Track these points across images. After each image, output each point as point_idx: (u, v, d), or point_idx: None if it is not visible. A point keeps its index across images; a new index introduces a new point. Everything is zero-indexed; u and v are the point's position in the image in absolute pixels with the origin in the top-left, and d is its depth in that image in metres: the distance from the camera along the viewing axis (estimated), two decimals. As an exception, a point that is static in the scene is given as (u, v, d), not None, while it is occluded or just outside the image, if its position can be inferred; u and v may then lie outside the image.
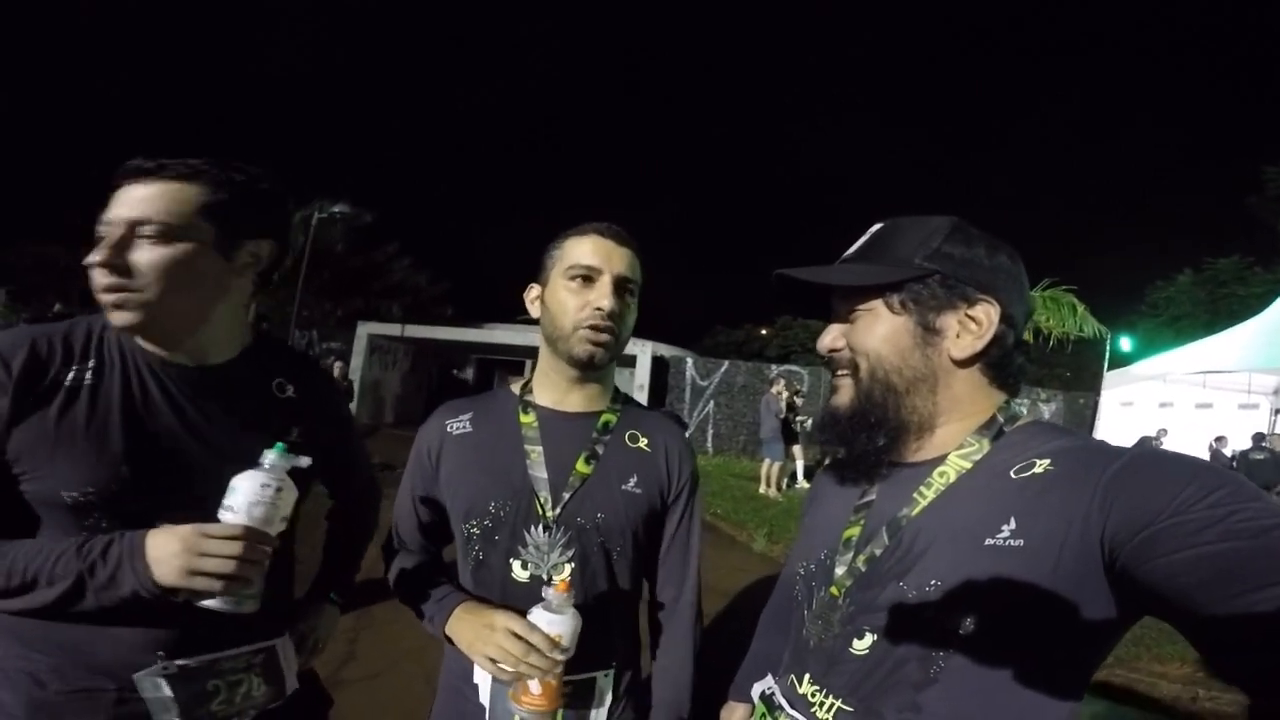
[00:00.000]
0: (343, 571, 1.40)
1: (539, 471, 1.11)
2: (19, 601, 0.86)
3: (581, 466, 1.12)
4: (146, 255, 0.92)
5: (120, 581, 0.85)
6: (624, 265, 1.12)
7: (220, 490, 0.90)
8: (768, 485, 9.51)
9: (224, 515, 0.87)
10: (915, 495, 0.80)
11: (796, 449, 10.29)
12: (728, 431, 14.65)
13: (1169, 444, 10.26)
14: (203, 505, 0.90)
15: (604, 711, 1.11)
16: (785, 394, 9.77)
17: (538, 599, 0.97)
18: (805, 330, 36.65)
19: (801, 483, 10.26)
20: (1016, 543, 0.68)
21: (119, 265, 0.90)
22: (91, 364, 0.94)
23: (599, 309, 1.09)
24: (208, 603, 0.86)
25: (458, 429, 1.18)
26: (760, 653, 1.14)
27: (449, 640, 1.07)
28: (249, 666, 1.03)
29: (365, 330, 15.87)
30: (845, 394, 0.87)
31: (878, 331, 0.83)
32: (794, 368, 15.14)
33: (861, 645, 0.78)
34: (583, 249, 1.11)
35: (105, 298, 0.91)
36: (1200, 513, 0.58)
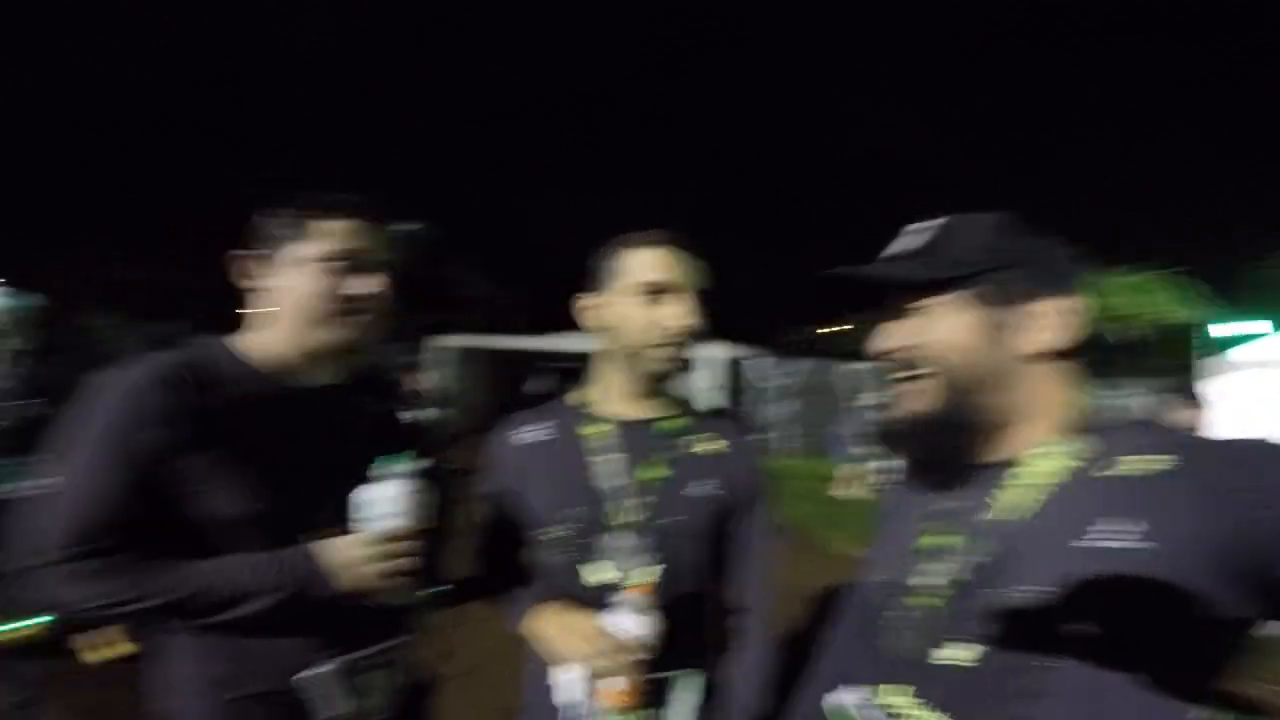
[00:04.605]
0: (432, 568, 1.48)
1: (606, 481, 1.13)
2: (224, 615, 0.94)
3: (649, 473, 1.13)
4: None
5: (314, 590, 0.96)
6: (693, 278, 1.14)
7: (338, 501, 1.00)
8: (847, 487, 9.30)
9: (385, 523, 0.97)
10: (996, 498, 0.77)
11: (877, 450, 10.01)
12: (806, 432, 14.32)
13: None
14: (335, 514, 1.01)
15: (679, 711, 1.12)
16: (864, 394, 9.52)
17: (608, 605, 1.01)
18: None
19: (881, 484, 9.97)
20: (1123, 544, 0.64)
21: None
22: (226, 389, 1.01)
23: (681, 326, 1.10)
24: (386, 599, 0.99)
25: (525, 440, 1.22)
26: (831, 665, 1.07)
27: (530, 638, 1.11)
28: (389, 661, 1.12)
29: (441, 342, 16.46)
30: (912, 398, 0.83)
31: (944, 330, 0.79)
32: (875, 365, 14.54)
33: (956, 655, 0.73)
34: (651, 262, 1.11)
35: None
36: None
